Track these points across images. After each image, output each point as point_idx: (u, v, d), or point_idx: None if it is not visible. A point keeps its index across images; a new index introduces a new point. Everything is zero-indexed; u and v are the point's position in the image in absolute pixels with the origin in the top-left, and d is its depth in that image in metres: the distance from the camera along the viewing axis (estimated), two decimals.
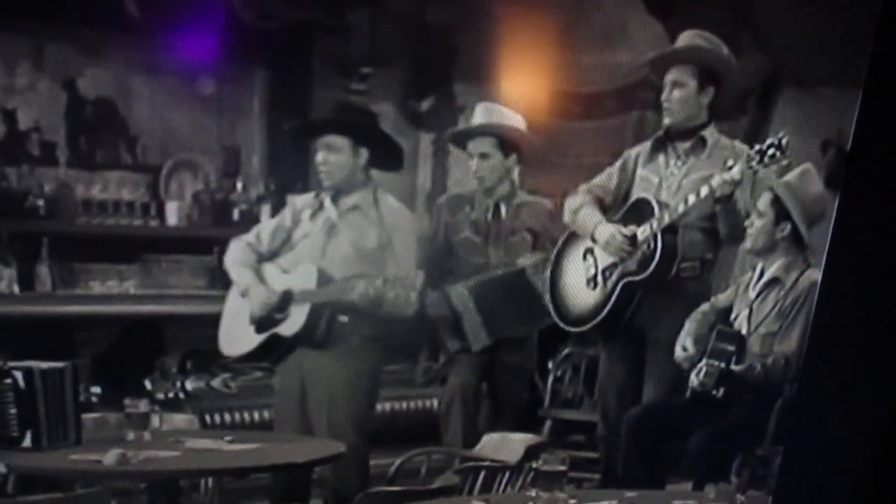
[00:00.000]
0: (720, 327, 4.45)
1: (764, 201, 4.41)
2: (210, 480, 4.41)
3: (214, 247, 5.19)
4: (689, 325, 4.51)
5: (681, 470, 4.48)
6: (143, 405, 4.11)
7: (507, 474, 3.99)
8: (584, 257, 4.93)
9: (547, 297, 5.07)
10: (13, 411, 3.71)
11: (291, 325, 4.78)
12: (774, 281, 4.43)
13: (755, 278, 4.51)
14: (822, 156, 6.39)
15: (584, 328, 4.96)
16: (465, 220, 5.43)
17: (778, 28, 6.79)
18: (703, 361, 4.35)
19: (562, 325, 5.04)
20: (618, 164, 4.99)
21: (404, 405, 6.87)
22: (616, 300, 4.76)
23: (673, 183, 4.78)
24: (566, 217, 5.01)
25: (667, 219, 4.61)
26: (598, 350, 5.22)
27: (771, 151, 4.31)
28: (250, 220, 6.34)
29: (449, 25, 7.51)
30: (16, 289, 6.11)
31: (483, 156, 5.36)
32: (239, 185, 7.05)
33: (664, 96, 4.82)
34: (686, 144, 4.82)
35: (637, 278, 4.70)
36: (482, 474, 4.02)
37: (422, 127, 7.79)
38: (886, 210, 1.41)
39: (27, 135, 6.49)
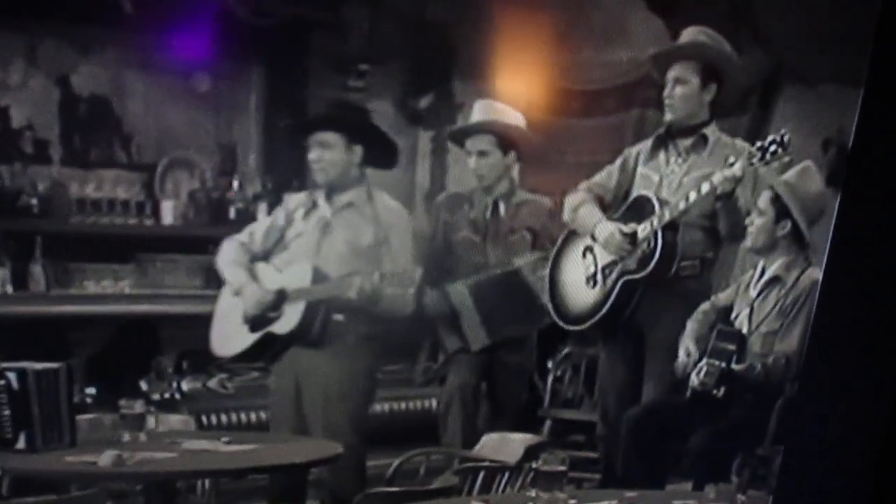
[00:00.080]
0: (721, 326, 4.45)
1: (764, 199, 4.41)
2: (207, 482, 4.38)
3: (210, 246, 5.16)
4: (691, 326, 4.50)
5: (681, 470, 4.48)
6: (138, 406, 4.10)
7: (507, 475, 3.99)
8: (584, 255, 4.92)
9: (545, 296, 5.05)
10: (7, 413, 3.69)
11: (286, 323, 4.76)
12: (775, 280, 4.43)
13: (756, 277, 4.50)
14: (823, 154, 6.37)
15: (583, 327, 4.96)
16: (464, 218, 5.42)
17: (779, 26, 6.78)
18: (704, 361, 4.36)
19: (561, 323, 5.04)
20: (618, 162, 4.98)
21: (403, 405, 6.86)
22: (615, 298, 4.75)
23: (674, 181, 4.78)
24: (566, 215, 5.01)
25: (667, 216, 4.60)
26: (598, 349, 5.21)
27: (773, 148, 4.30)
28: (247, 218, 6.30)
29: (448, 22, 7.50)
30: (9, 288, 6.08)
31: (482, 154, 5.35)
32: (235, 184, 7.00)
33: (666, 93, 4.81)
34: (687, 142, 4.82)
35: (637, 276, 4.69)
36: (481, 475, 4.01)
37: (420, 125, 7.77)
38: (887, 208, 1.42)
39: (20, 133, 6.44)
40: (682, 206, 4.58)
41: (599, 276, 4.83)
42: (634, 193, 4.85)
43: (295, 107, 6.79)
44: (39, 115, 6.53)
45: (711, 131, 4.81)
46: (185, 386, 6.23)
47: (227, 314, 4.90)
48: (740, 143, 4.82)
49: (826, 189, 4.46)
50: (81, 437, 3.88)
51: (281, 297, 4.77)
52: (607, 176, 4.97)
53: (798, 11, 6.52)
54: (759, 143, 4.38)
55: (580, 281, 4.91)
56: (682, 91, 4.76)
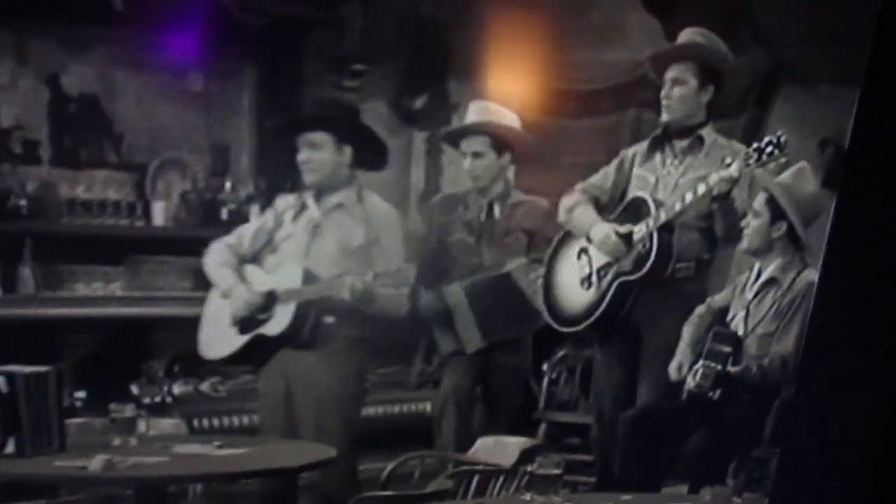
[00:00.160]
0: (717, 328, 4.44)
1: (759, 201, 4.41)
2: (198, 486, 4.35)
3: (202, 248, 5.12)
4: (687, 330, 4.48)
5: (677, 472, 4.47)
6: (129, 410, 4.10)
7: (502, 478, 3.99)
8: (579, 257, 4.92)
9: (539, 299, 5.03)
10: None
11: (277, 324, 4.73)
12: (771, 281, 4.42)
13: (752, 279, 4.49)
14: (820, 154, 6.36)
15: (577, 328, 4.95)
16: (459, 220, 5.41)
17: (777, 25, 6.78)
18: (700, 363, 4.34)
19: (555, 325, 5.02)
20: (614, 163, 4.98)
21: (397, 408, 6.84)
22: (611, 300, 4.74)
23: (670, 182, 4.77)
24: (561, 216, 5.00)
25: (663, 217, 4.59)
26: (594, 352, 5.20)
27: (769, 150, 4.30)
28: (239, 220, 6.25)
29: (443, 22, 7.49)
30: None
31: (476, 155, 5.34)
32: (227, 185, 6.96)
33: (664, 93, 4.80)
34: (683, 143, 4.81)
35: (632, 278, 4.68)
36: (476, 478, 4.00)
37: (415, 125, 7.75)
38: (884, 209, 1.41)
39: (9, 133, 6.39)
40: (678, 207, 4.57)
41: (595, 278, 4.82)
42: (630, 195, 4.84)
43: (289, 107, 6.74)
44: (29, 114, 6.48)
45: (708, 132, 4.80)
46: (176, 389, 6.20)
47: (216, 316, 4.86)
48: (737, 144, 4.81)
49: (821, 190, 4.45)
50: (71, 441, 3.88)
51: (271, 299, 4.74)
52: (603, 177, 4.97)
53: (796, 11, 6.52)
54: (755, 145, 4.38)
55: (575, 282, 4.90)
56: (679, 92, 4.76)
